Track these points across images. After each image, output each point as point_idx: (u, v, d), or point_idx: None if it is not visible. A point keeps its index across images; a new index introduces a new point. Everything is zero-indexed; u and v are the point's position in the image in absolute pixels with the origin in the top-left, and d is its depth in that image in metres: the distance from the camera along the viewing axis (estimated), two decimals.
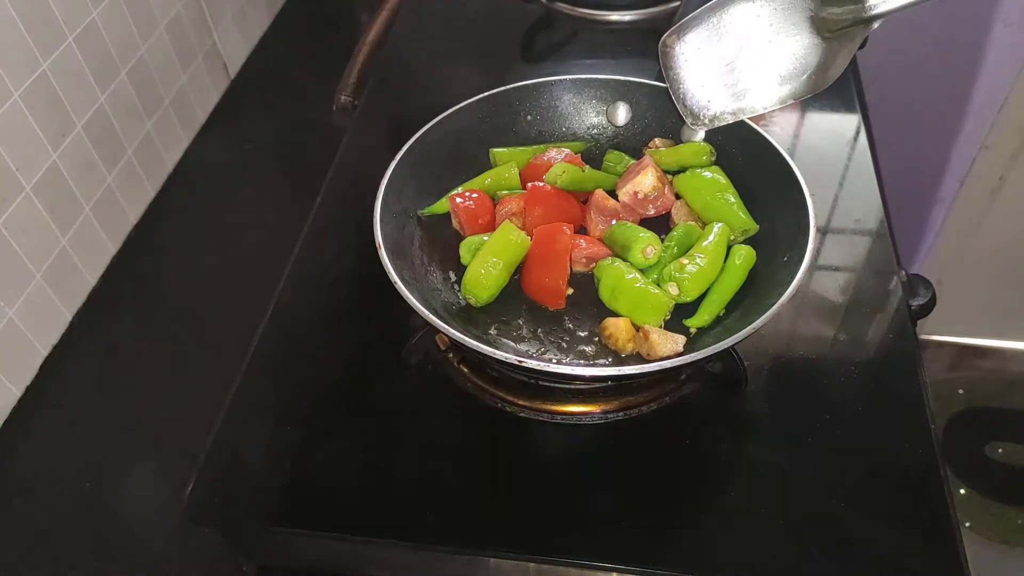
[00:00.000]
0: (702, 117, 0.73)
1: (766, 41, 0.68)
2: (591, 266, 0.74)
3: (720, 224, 0.73)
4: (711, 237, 0.72)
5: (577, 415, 0.69)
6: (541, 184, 0.78)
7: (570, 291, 0.73)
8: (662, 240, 0.73)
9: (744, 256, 0.72)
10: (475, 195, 0.77)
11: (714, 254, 0.71)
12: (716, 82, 0.71)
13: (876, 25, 0.62)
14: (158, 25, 1.01)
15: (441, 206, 0.80)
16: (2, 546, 0.72)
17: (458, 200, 0.77)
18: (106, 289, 0.92)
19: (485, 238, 0.74)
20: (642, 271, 0.71)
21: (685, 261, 0.70)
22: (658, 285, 0.70)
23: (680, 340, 0.66)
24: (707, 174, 0.77)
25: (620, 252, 0.73)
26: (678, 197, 0.79)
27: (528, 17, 1.16)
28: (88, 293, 0.91)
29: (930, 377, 1.15)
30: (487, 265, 0.71)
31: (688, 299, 0.70)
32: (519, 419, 0.69)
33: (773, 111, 0.72)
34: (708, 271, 0.70)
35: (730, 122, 0.73)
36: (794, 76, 0.68)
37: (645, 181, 0.76)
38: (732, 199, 0.75)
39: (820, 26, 0.65)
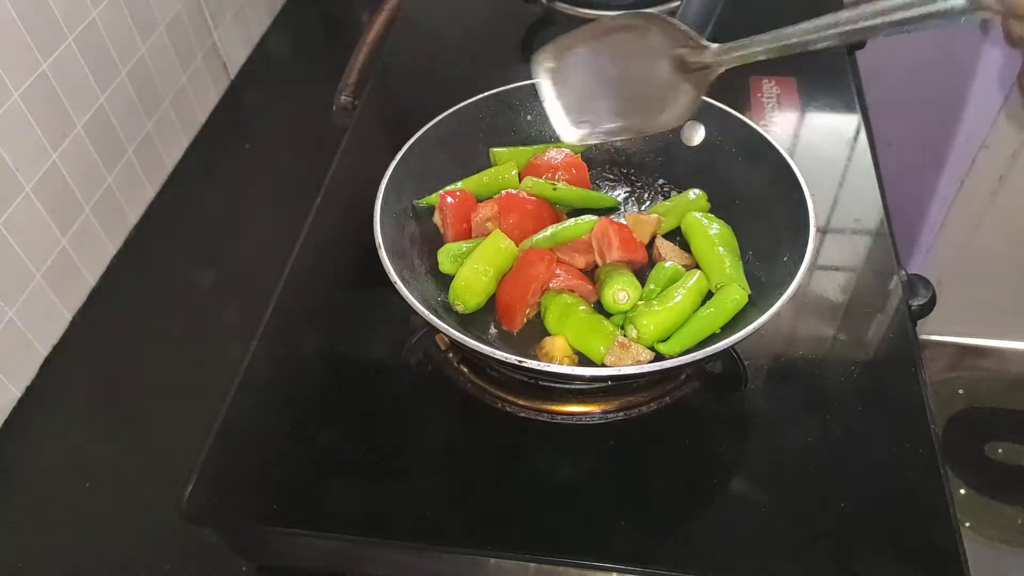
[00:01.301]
0: (568, 136, 0.71)
1: (627, 73, 0.67)
2: None
3: (698, 274, 0.70)
4: (687, 284, 0.69)
5: (577, 415, 0.69)
6: (515, 192, 0.77)
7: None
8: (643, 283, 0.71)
9: (736, 301, 0.68)
10: (459, 194, 0.77)
11: (681, 303, 0.67)
12: (580, 106, 0.69)
13: (721, 71, 0.61)
14: (158, 25, 1.01)
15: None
16: (2, 546, 0.72)
17: (448, 200, 0.77)
18: (106, 289, 0.92)
19: (464, 246, 0.74)
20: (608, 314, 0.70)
21: (645, 306, 0.67)
22: (622, 326, 0.68)
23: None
24: (710, 226, 0.74)
25: (599, 289, 0.71)
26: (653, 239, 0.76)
27: (528, 17, 1.15)
28: (88, 293, 0.91)
29: (930, 377, 1.15)
30: (477, 273, 0.71)
31: (644, 343, 0.67)
32: (519, 419, 0.68)
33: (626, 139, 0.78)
34: (668, 317, 0.67)
35: (593, 143, 0.80)
36: (643, 109, 0.67)
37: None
38: (728, 261, 0.72)
39: (677, 65, 0.64)
